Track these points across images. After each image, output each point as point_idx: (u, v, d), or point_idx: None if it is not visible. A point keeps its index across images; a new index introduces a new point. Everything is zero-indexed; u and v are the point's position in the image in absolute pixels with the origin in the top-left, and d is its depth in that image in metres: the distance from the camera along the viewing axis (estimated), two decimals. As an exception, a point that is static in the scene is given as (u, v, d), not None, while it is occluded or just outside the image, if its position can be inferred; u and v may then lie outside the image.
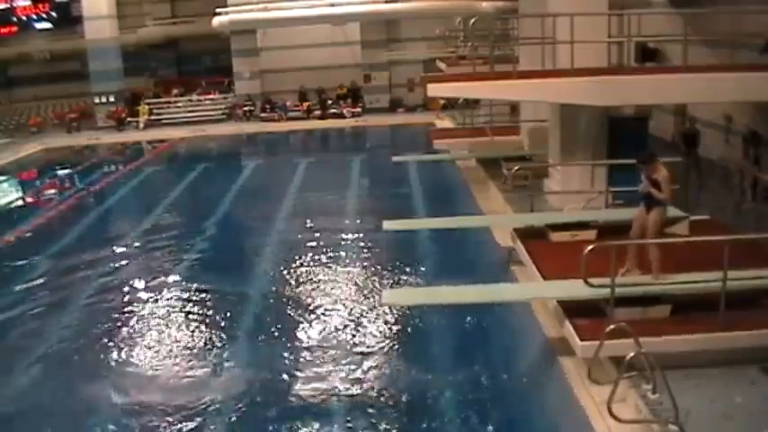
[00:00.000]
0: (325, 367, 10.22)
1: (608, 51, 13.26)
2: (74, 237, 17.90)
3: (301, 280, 13.77)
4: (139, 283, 14.11)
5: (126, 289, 13.86)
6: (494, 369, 9.78)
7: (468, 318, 10.96)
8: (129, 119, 32.65)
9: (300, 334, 11.41)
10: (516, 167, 14.35)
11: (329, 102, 32.66)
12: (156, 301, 13.21)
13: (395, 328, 11.31)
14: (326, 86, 33.10)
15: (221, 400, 9.51)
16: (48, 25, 36.15)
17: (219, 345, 11.26)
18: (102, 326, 12.18)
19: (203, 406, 9.40)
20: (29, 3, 35.58)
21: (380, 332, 11.22)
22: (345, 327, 11.52)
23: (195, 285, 13.79)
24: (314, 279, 13.78)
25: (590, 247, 8.22)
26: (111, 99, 33.21)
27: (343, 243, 15.67)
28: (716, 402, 7.25)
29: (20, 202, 23.40)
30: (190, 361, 10.78)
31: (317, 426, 8.85)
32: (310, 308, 12.36)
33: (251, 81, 33.48)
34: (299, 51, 32.68)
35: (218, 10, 30.70)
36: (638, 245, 9.03)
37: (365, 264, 14.40)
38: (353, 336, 11.18)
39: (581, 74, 11.73)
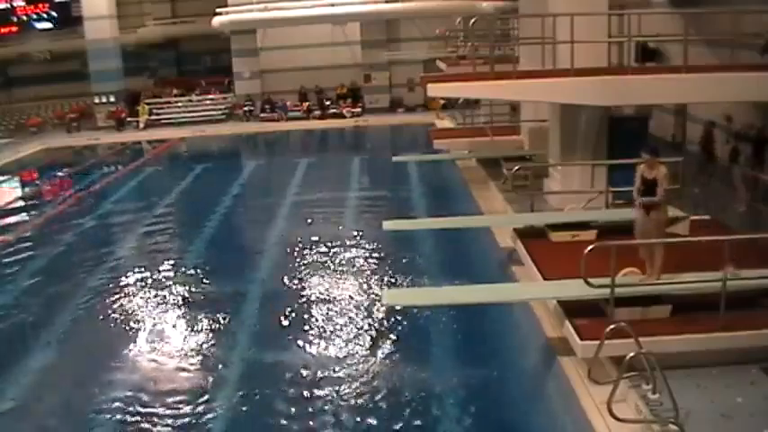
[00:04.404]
0: (325, 365, 10.24)
1: (608, 51, 13.24)
2: (75, 234, 17.93)
3: (301, 280, 13.76)
4: (138, 284, 14.10)
5: (123, 290, 13.85)
6: (494, 369, 9.79)
7: (468, 317, 10.96)
8: (129, 119, 32.66)
9: (300, 333, 11.41)
10: (516, 167, 14.34)
11: (328, 102, 32.69)
12: (154, 298, 13.24)
13: (394, 327, 11.31)
14: (326, 86, 33.12)
15: (222, 394, 9.55)
16: (48, 25, 36.15)
17: (219, 342, 11.29)
18: (98, 325, 12.21)
19: (206, 398, 9.50)
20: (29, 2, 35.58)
21: (380, 331, 11.22)
22: (345, 326, 11.53)
23: (195, 284, 13.84)
24: (313, 279, 13.77)
25: (590, 247, 8.22)
26: (111, 99, 33.23)
27: (342, 243, 15.66)
28: (716, 402, 7.25)
29: (20, 202, 23.36)
30: (189, 356, 10.86)
31: (316, 424, 8.86)
32: (310, 307, 12.37)
33: (251, 81, 33.50)
34: (298, 51, 32.69)
35: (218, 10, 30.74)
36: (649, 249, 8.91)
37: (365, 264, 14.40)
38: (353, 335, 11.19)
39: (581, 74, 11.72)
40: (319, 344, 11.01)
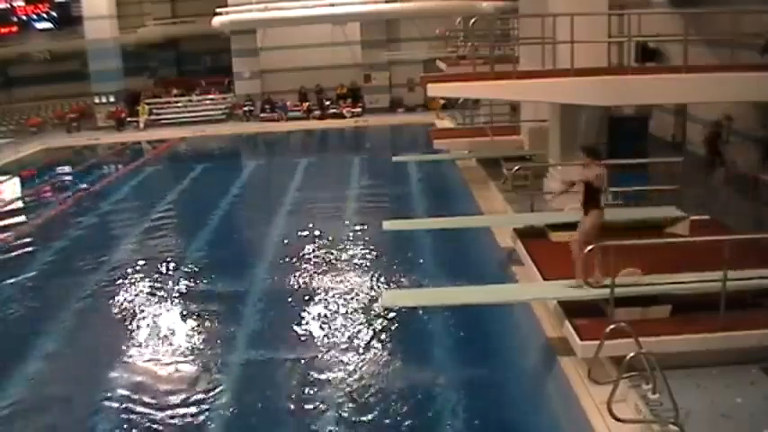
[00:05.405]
0: (324, 365, 10.25)
1: (608, 51, 13.24)
2: (74, 234, 17.94)
3: (301, 279, 13.75)
4: (139, 280, 14.12)
5: (123, 288, 13.86)
6: (493, 369, 9.79)
7: (468, 317, 10.95)
8: (129, 119, 32.66)
9: (299, 332, 11.42)
10: (516, 167, 14.35)
11: (327, 102, 32.69)
12: (154, 297, 13.28)
13: (394, 327, 11.31)
14: (326, 86, 33.13)
15: (222, 392, 9.58)
16: (48, 25, 36.19)
17: (219, 342, 11.30)
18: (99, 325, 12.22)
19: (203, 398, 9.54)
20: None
21: (379, 332, 11.22)
22: (344, 327, 11.53)
23: (195, 283, 13.87)
24: (313, 279, 13.77)
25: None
26: (111, 99, 33.23)
27: (342, 243, 15.67)
28: (716, 402, 7.26)
29: (20, 202, 23.36)
30: (189, 355, 10.92)
31: (315, 423, 8.86)
32: (309, 307, 12.37)
33: (251, 81, 33.49)
34: (298, 51, 32.67)
35: (218, 10, 30.74)
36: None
37: (365, 264, 14.40)
38: (352, 335, 11.19)
39: (581, 74, 11.71)
40: (319, 343, 11.01)
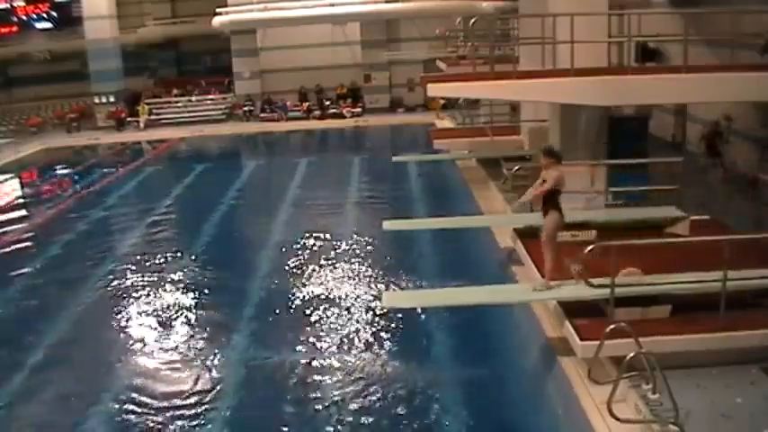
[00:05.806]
0: (325, 365, 10.26)
1: (608, 51, 13.23)
2: (74, 235, 17.95)
3: (301, 279, 13.76)
4: (139, 280, 14.12)
5: (124, 288, 13.87)
6: (494, 369, 9.78)
7: (468, 317, 10.95)
8: (129, 119, 32.68)
9: (299, 332, 11.41)
10: (516, 167, 14.35)
11: (327, 102, 32.70)
12: (155, 295, 13.31)
13: (394, 328, 11.30)
14: (326, 86, 33.15)
15: (221, 392, 9.59)
16: (48, 25, 36.22)
17: (218, 342, 11.29)
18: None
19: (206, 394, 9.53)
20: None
21: (379, 332, 11.21)
22: (344, 326, 11.53)
23: (195, 282, 13.88)
24: (314, 279, 13.77)
25: (590, 247, 8.23)
26: (111, 99, 33.25)
27: (342, 243, 15.67)
28: (716, 402, 7.25)
29: (20, 202, 23.36)
30: (189, 353, 10.96)
31: (316, 423, 8.86)
32: (308, 307, 12.37)
33: (251, 81, 33.51)
34: (298, 51, 32.71)
35: (218, 10, 30.77)
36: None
37: (365, 264, 14.39)
38: (351, 334, 11.19)
39: (581, 74, 11.70)
40: (319, 343, 11.00)
